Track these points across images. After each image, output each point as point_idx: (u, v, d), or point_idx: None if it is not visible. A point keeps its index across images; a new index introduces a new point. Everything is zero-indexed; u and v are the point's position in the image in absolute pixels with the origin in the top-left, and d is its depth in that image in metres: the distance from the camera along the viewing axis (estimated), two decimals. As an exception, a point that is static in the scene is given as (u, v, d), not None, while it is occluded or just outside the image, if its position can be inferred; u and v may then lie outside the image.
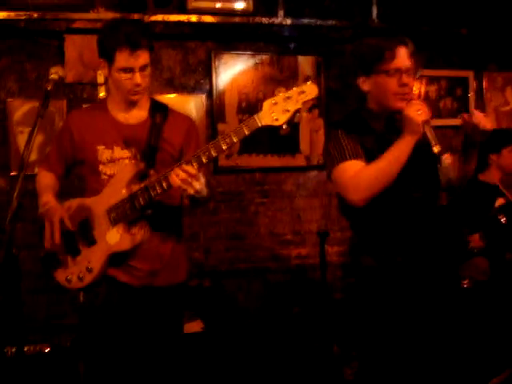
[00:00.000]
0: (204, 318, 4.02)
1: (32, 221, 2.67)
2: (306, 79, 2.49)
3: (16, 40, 4.14)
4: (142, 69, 2.38)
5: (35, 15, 3.99)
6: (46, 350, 3.80)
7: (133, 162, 2.46)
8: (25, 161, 2.23)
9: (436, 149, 2.16)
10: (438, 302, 2.37)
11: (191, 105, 4.47)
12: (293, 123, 2.24)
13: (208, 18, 4.32)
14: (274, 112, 2.19)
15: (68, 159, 2.63)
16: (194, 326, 3.92)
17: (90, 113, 2.61)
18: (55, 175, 2.65)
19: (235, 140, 2.24)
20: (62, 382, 3.49)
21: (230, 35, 4.52)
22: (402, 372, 2.34)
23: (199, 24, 4.32)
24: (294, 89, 2.21)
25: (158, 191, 2.34)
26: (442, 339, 2.40)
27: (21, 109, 4.12)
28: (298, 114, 2.22)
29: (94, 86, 4.20)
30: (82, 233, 2.48)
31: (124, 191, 2.41)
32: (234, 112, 4.57)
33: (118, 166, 2.48)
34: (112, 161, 2.49)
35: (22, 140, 4.07)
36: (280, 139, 4.52)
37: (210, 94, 4.52)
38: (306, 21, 4.56)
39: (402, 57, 2.27)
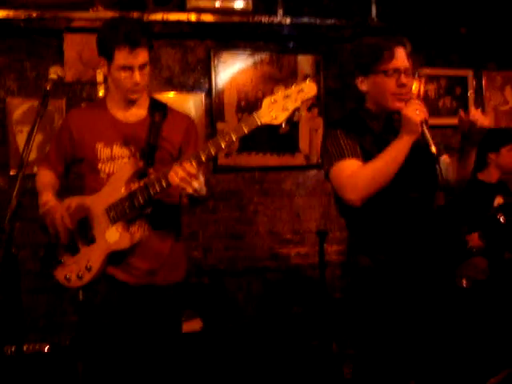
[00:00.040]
0: (203, 317, 4.02)
1: (32, 220, 2.67)
2: (305, 78, 2.49)
3: (15, 39, 4.14)
4: (141, 67, 2.39)
5: (34, 14, 3.99)
6: (46, 349, 3.81)
7: (132, 160, 2.47)
8: (24, 160, 2.23)
9: (434, 149, 2.15)
10: (433, 302, 2.37)
11: (190, 104, 4.47)
12: (292, 122, 2.24)
13: (207, 17, 4.32)
14: (273, 110, 2.19)
15: (67, 157, 2.63)
16: (192, 325, 3.93)
17: (89, 111, 2.62)
18: (55, 173, 2.66)
19: (234, 138, 2.24)
20: (61, 380, 3.50)
21: (230, 34, 4.52)
22: (398, 370, 2.34)
23: (198, 23, 4.31)
24: (293, 87, 2.20)
25: (158, 190, 2.34)
26: (438, 339, 2.40)
27: (20, 107, 4.12)
28: (297, 113, 2.22)
29: (94, 84, 4.20)
30: (81, 231, 2.48)
31: (123, 190, 2.41)
32: (233, 111, 4.57)
33: (117, 165, 2.48)
34: (111, 159, 2.49)
35: (21, 139, 4.07)
36: (279, 138, 4.50)
37: (209, 92, 4.52)
38: (305, 20, 4.55)
39: (401, 57, 2.27)
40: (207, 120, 4.50)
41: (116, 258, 2.46)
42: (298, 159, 4.72)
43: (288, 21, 4.51)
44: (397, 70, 2.25)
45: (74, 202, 2.51)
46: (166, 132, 2.51)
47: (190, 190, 2.25)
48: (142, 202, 2.37)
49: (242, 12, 4.40)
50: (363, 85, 2.34)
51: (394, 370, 2.32)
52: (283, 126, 2.20)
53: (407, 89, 2.27)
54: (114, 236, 2.43)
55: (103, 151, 2.50)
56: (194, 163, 2.24)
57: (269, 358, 3.92)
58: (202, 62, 4.52)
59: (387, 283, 2.31)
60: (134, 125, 2.52)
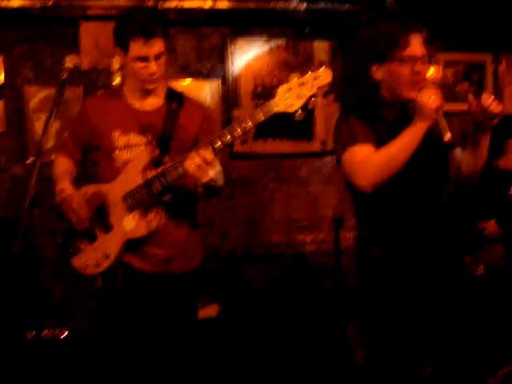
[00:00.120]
0: (220, 302, 4.04)
1: (50, 207, 2.69)
2: (320, 64, 2.47)
3: (31, 27, 4.16)
4: (157, 57, 2.39)
5: (50, 2, 3.99)
6: (64, 335, 3.85)
7: (148, 148, 2.48)
8: (42, 148, 2.25)
9: (449, 135, 2.12)
10: (443, 292, 2.35)
11: (206, 90, 4.46)
12: (307, 109, 2.23)
13: (223, 4, 4.29)
14: (289, 98, 2.18)
15: (84, 145, 2.65)
16: (209, 311, 3.95)
17: (106, 100, 2.63)
18: (72, 160, 2.68)
19: (250, 125, 2.23)
20: (80, 365, 3.54)
21: (245, 20, 4.49)
22: (408, 359, 2.33)
23: (214, 10, 4.30)
24: (309, 74, 2.19)
25: (174, 177, 2.35)
26: (451, 327, 2.38)
27: (37, 96, 4.14)
28: (312, 100, 2.21)
29: (110, 72, 4.21)
30: (98, 219, 2.51)
31: (139, 177, 2.43)
32: (249, 97, 4.56)
33: (133, 152, 2.49)
34: (128, 147, 2.51)
35: (38, 127, 4.10)
36: (295, 124, 4.49)
37: (224, 79, 4.51)
38: (321, 5, 4.50)
39: (416, 44, 2.22)
40: (223, 107, 4.49)
41: (133, 245, 2.48)
42: (314, 146, 4.71)
43: (304, 6, 4.47)
44: (412, 58, 2.21)
45: (90, 189, 2.53)
46: (183, 121, 2.52)
47: (205, 179, 2.26)
48: (158, 189, 2.39)
49: (257, -2, 4.37)
50: (378, 73, 2.30)
51: (403, 359, 2.31)
52: (299, 113, 2.19)
53: (422, 76, 2.23)
54: (130, 224, 2.45)
55: (120, 139, 2.51)
56: (210, 150, 2.25)
57: (284, 344, 3.95)
58: (217, 49, 4.51)
59: (396, 273, 2.30)
60: (151, 113, 2.53)
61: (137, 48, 2.35)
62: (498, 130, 2.30)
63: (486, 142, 2.28)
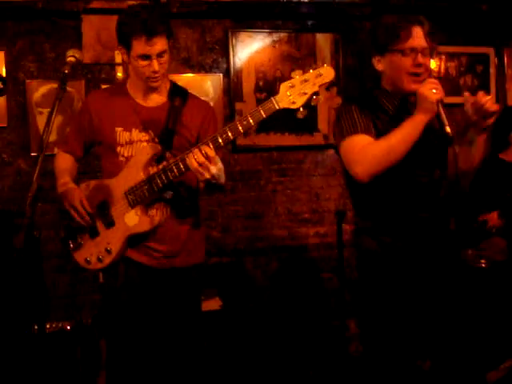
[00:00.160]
0: (223, 295, 4.06)
1: (53, 201, 2.70)
2: (323, 62, 2.48)
3: (34, 21, 4.14)
4: (160, 55, 2.38)
5: (52, -4, 4.00)
6: (68, 327, 3.87)
7: (150, 144, 2.48)
8: (44, 142, 2.25)
9: (449, 129, 2.12)
10: (439, 284, 2.34)
11: (208, 84, 4.46)
12: (310, 106, 2.23)
13: (225, -4, 4.29)
14: (292, 95, 2.20)
15: (86, 140, 2.65)
16: (212, 304, 3.96)
17: (110, 95, 2.62)
18: (73, 157, 2.68)
19: (252, 123, 2.25)
20: (84, 358, 3.56)
21: (248, 13, 4.48)
22: (404, 352, 2.34)
23: (216, 2, 4.29)
24: (311, 71, 2.20)
25: (176, 173, 2.36)
26: (449, 320, 2.38)
27: (40, 90, 4.14)
28: (315, 97, 2.22)
29: (112, 66, 4.21)
30: (100, 214, 2.51)
31: (141, 173, 2.43)
32: (252, 91, 4.55)
33: (135, 149, 2.50)
34: (130, 143, 2.51)
35: (41, 121, 4.10)
36: (298, 118, 4.49)
37: (227, 72, 4.50)
38: (324, -3, 4.51)
39: (418, 36, 2.23)
40: (225, 100, 4.49)
41: (135, 240, 2.49)
42: (317, 139, 4.70)
43: (307, -1, 4.46)
44: (414, 50, 2.21)
45: (91, 184, 2.54)
46: (185, 118, 2.52)
47: (207, 176, 2.27)
48: (160, 185, 2.40)
49: (259, -9, 4.36)
50: (379, 64, 2.31)
51: (402, 351, 2.32)
52: (301, 110, 2.20)
53: (423, 69, 2.23)
54: (133, 219, 2.45)
55: (122, 135, 2.51)
56: (211, 146, 2.26)
57: (287, 336, 3.96)
58: (219, 42, 4.50)
59: (392, 266, 2.30)
60: (154, 109, 2.53)
61: (139, 46, 2.35)
62: (502, 123, 2.29)
63: (481, 142, 2.28)
